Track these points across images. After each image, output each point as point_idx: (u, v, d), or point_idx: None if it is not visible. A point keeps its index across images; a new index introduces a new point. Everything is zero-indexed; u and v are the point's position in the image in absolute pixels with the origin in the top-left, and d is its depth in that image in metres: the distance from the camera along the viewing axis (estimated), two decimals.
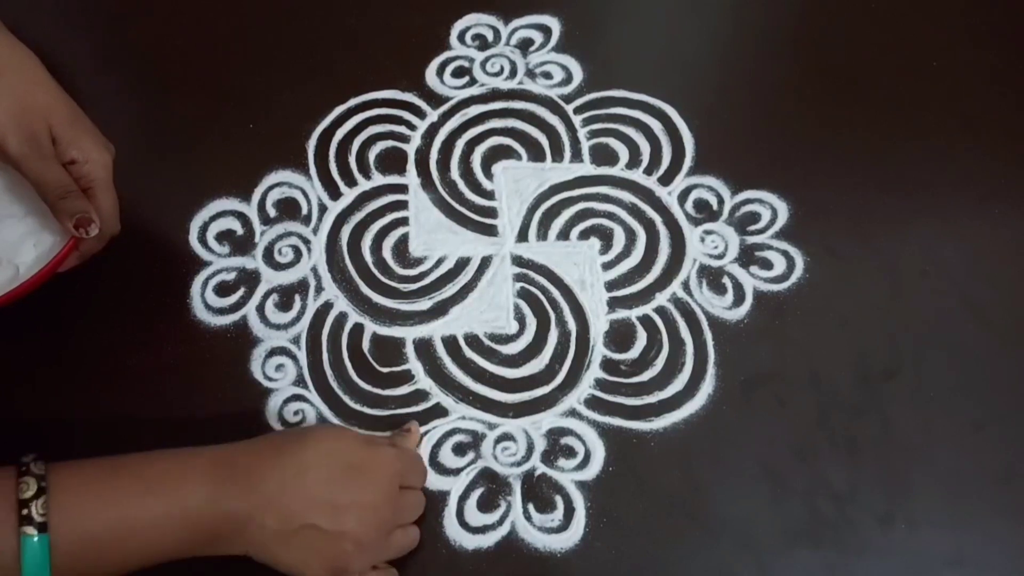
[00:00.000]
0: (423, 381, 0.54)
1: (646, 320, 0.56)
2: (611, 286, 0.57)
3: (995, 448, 0.52)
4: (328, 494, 0.44)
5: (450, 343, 0.55)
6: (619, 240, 0.59)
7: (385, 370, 0.54)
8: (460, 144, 0.63)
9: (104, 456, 0.42)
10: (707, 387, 0.54)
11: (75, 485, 0.41)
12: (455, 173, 0.62)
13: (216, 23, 0.69)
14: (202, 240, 0.59)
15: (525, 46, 0.67)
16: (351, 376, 0.54)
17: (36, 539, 0.39)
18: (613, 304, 0.57)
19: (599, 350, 0.55)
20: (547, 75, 0.66)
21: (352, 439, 0.47)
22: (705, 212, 0.60)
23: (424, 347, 0.55)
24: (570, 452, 0.52)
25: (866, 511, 0.50)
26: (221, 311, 0.56)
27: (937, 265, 0.58)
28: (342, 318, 0.56)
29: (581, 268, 0.58)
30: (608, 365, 0.54)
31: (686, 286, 0.57)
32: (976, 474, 0.51)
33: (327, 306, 0.57)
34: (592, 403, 0.53)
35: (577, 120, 0.64)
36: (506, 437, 0.52)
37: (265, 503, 0.42)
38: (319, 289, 0.57)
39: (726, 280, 0.57)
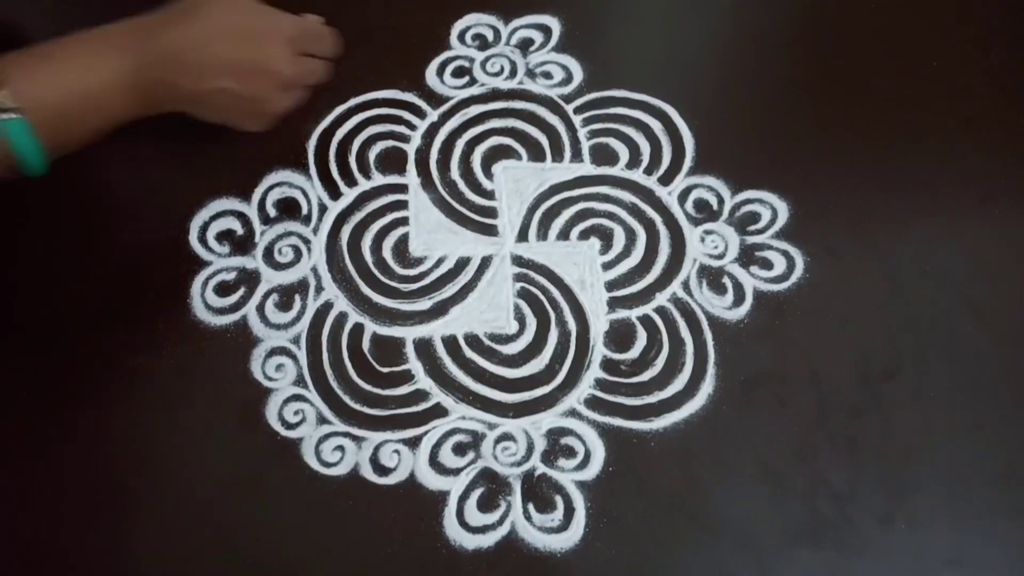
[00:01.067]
0: (423, 381, 0.54)
1: (646, 320, 0.56)
2: (611, 286, 0.57)
3: (995, 448, 0.52)
4: (230, 57, 0.50)
5: (450, 343, 0.55)
6: (619, 240, 0.59)
7: (385, 370, 0.54)
8: (460, 144, 0.63)
9: (22, 50, 0.48)
10: (707, 387, 0.54)
11: (24, 74, 0.46)
12: (455, 173, 0.62)
13: None
14: (202, 240, 0.59)
15: (525, 46, 0.67)
16: (351, 376, 0.54)
17: (16, 119, 0.45)
18: (613, 304, 0.57)
19: (599, 350, 0.55)
20: (547, 75, 0.66)
21: (251, 7, 0.52)
22: (705, 212, 0.60)
23: (424, 347, 0.55)
24: (570, 452, 0.52)
25: (866, 511, 0.50)
26: (221, 311, 0.56)
27: (937, 265, 0.58)
28: (342, 318, 0.56)
29: (581, 268, 0.58)
30: (608, 365, 0.54)
31: (686, 286, 0.57)
32: (976, 474, 0.51)
33: (327, 306, 0.57)
34: (592, 403, 0.53)
35: (577, 120, 0.64)
36: (506, 437, 0.52)
37: (177, 66, 0.49)
38: (319, 289, 0.57)
39: (726, 280, 0.57)
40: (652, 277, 0.58)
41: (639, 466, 0.51)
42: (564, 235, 0.59)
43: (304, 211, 0.60)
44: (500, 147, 0.63)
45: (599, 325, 0.56)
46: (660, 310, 0.56)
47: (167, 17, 0.50)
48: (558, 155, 0.62)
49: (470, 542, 0.49)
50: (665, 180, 0.61)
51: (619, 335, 0.55)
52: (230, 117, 0.53)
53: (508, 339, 0.55)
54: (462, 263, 0.58)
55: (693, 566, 0.49)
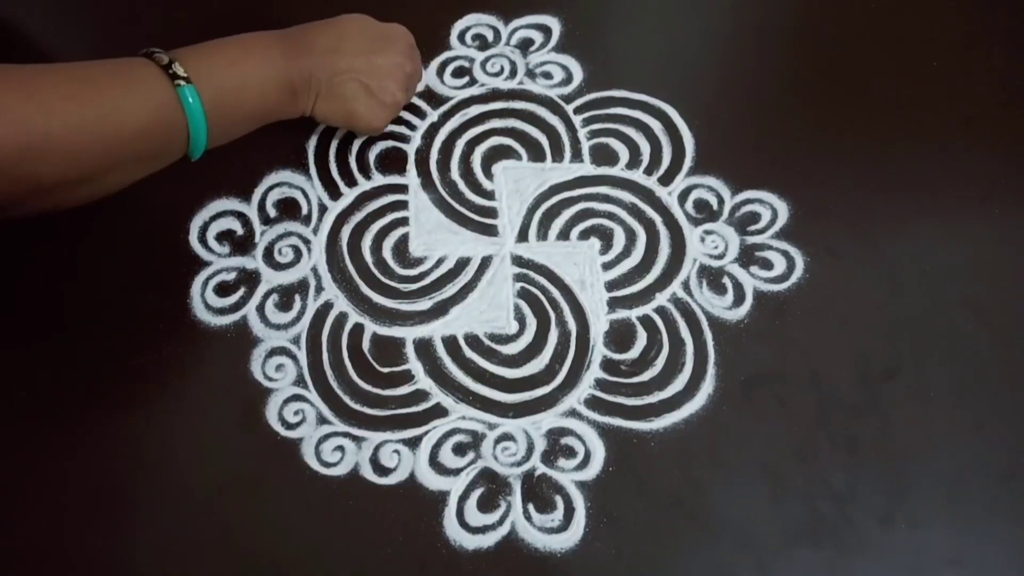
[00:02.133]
0: (423, 381, 0.54)
1: (646, 320, 0.56)
2: (611, 286, 0.57)
3: (995, 448, 0.52)
4: (363, 52, 0.57)
5: (450, 343, 0.55)
6: (619, 240, 0.59)
7: (385, 370, 0.54)
8: (460, 144, 0.63)
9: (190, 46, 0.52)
10: (707, 387, 0.54)
11: (194, 55, 0.51)
12: (455, 173, 0.62)
13: (216, 23, 0.69)
14: (202, 240, 0.59)
15: (525, 46, 0.67)
16: (351, 376, 0.54)
17: (188, 88, 0.49)
18: (613, 304, 0.57)
19: (599, 350, 0.55)
20: (547, 75, 0.66)
21: (372, 19, 0.60)
22: (705, 212, 0.60)
23: (424, 347, 0.55)
24: (570, 452, 0.52)
25: (866, 511, 0.50)
26: (221, 311, 0.56)
27: (937, 265, 0.58)
28: (342, 318, 0.56)
29: (581, 268, 0.58)
30: (608, 365, 0.54)
31: (686, 286, 0.57)
32: (976, 474, 0.51)
33: (327, 306, 0.57)
34: (592, 403, 0.53)
35: (577, 120, 0.64)
36: (506, 437, 0.52)
37: (319, 60, 0.55)
38: (319, 289, 0.57)
39: (726, 280, 0.57)
40: (652, 277, 0.58)
41: (639, 466, 0.51)
42: (564, 235, 0.59)
43: (304, 211, 0.60)
44: (500, 147, 0.63)
45: (599, 325, 0.56)
46: (660, 310, 0.56)
47: (310, 26, 0.57)
48: (558, 155, 0.62)
49: (470, 542, 0.49)
50: (665, 180, 0.61)
51: (619, 335, 0.55)
52: (355, 107, 0.57)
53: (508, 339, 0.55)
54: (462, 263, 0.58)
55: (693, 566, 0.49)
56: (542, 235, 0.59)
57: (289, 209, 0.60)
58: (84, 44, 0.69)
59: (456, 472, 0.51)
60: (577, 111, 0.64)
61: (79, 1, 0.71)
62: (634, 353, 0.55)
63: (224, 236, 0.59)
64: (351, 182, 0.61)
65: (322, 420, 0.53)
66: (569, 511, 0.50)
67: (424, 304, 0.57)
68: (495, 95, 0.65)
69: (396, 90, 0.58)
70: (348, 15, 0.59)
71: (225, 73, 0.51)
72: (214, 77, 0.51)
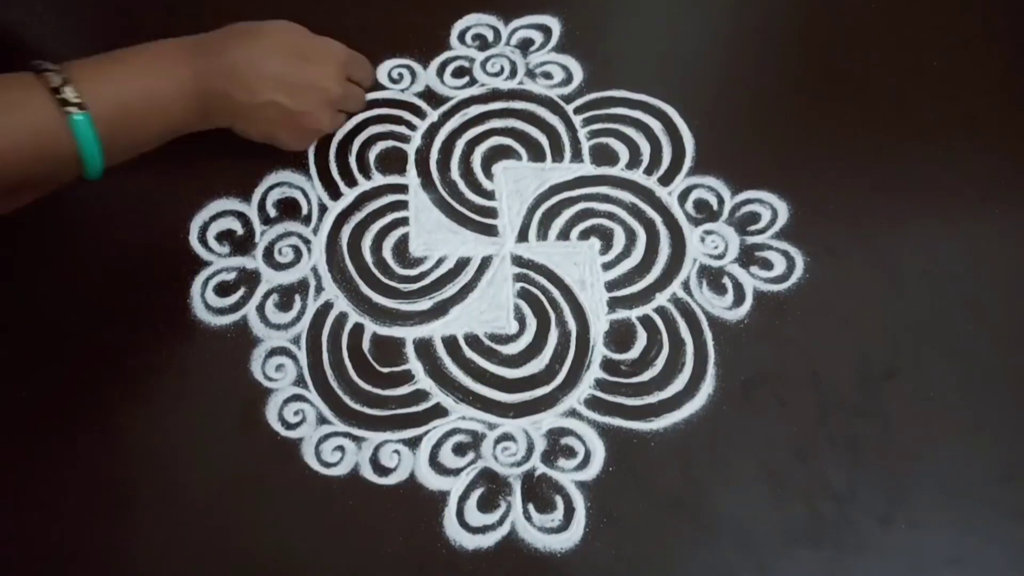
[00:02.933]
0: (423, 381, 0.54)
1: (646, 320, 0.56)
2: (611, 286, 0.57)
3: (995, 448, 0.52)
4: (284, 74, 0.53)
5: (450, 343, 0.55)
6: (619, 240, 0.59)
7: (385, 370, 0.54)
8: (460, 144, 0.63)
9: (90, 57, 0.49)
10: (707, 387, 0.54)
11: (90, 74, 0.48)
12: (455, 173, 0.62)
13: (215, 22, 0.69)
14: (202, 240, 0.59)
15: (525, 46, 0.67)
16: (351, 376, 0.54)
17: (80, 116, 0.46)
18: (613, 304, 0.57)
19: (599, 350, 0.55)
20: (547, 75, 0.66)
21: (302, 30, 0.56)
22: (705, 212, 0.60)
23: (424, 347, 0.55)
24: (570, 452, 0.52)
25: (866, 511, 0.50)
26: (221, 311, 0.56)
27: (937, 265, 0.58)
28: (342, 318, 0.56)
29: (581, 268, 0.58)
30: (608, 365, 0.54)
31: (686, 286, 0.57)
32: (976, 474, 0.51)
33: (327, 306, 0.57)
34: (592, 403, 0.53)
35: (577, 120, 0.64)
36: (506, 437, 0.52)
37: (234, 79, 0.51)
38: (319, 289, 0.57)
39: (726, 280, 0.57)
40: (652, 277, 0.58)
41: (639, 466, 0.51)
42: (564, 235, 0.59)
43: (304, 211, 0.60)
44: (500, 147, 0.63)
45: (599, 325, 0.56)
46: (660, 310, 0.56)
47: (227, 35, 0.53)
48: (558, 155, 0.62)
49: (470, 542, 0.49)
50: (665, 180, 0.61)
51: (619, 335, 0.55)
52: (276, 132, 0.55)
53: (508, 339, 0.55)
54: (462, 263, 0.58)
55: (693, 566, 0.49)
56: (542, 235, 0.59)
57: (289, 209, 0.60)
58: (85, 43, 0.69)
59: (456, 472, 0.51)
60: (577, 111, 0.64)
61: (79, 1, 0.71)
62: (634, 353, 0.55)
63: (224, 236, 0.59)
64: (351, 182, 0.61)
65: (322, 420, 0.53)
66: (569, 511, 0.50)
67: (424, 304, 0.57)
68: (495, 95, 0.65)
69: (321, 116, 0.56)
70: (274, 24, 0.55)
71: (124, 93, 0.49)
72: (111, 98, 0.48)
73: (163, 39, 0.52)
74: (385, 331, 0.56)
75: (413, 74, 0.65)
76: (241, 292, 0.57)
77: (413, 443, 0.52)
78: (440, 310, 0.56)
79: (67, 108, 0.46)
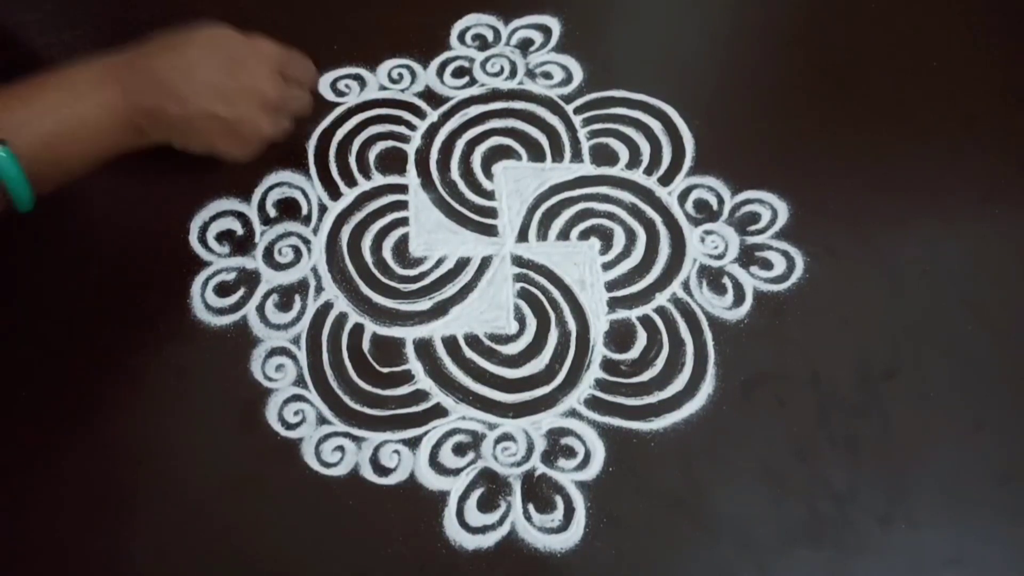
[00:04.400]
0: (423, 381, 0.54)
1: (646, 320, 0.56)
2: (611, 286, 0.57)
3: (995, 448, 0.52)
4: (216, 81, 0.51)
5: (450, 343, 0.55)
6: (619, 240, 0.59)
7: (385, 370, 0.54)
8: (460, 144, 0.63)
9: (8, 84, 0.47)
10: (707, 387, 0.54)
11: (10, 104, 0.46)
12: (455, 173, 0.62)
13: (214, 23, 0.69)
14: (202, 240, 0.59)
15: (525, 46, 0.67)
16: (351, 376, 0.54)
17: (0, 151, 0.44)
18: (613, 304, 0.57)
19: (599, 350, 0.55)
20: (547, 75, 0.66)
21: (232, 34, 0.53)
22: (705, 212, 0.60)
23: (424, 347, 0.55)
24: (570, 452, 0.52)
25: (866, 511, 0.50)
26: (221, 311, 0.56)
27: (937, 265, 0.58)
28: (342, 318, 0.56)
29: (581, 268, 0.58)
30: (608, 365, 0.54)
31: (686, 286, 0.57)
32: (976, 474, 0.51)
33: (327, 306, 0.57)
34: (592, 403, 0.53)
35: (577, 120, 0.64)
36: (506, 437, 0.52)
37: (164, 92, 0.49)
38: (319, 289, 0.57)
39: (726, 280, 0.57)
40: (652, 277, 0.58)
41: (639, 466, 0.51)
42: (564, 235, 0.59)
43: (304, 211, 0.60)
44: (500, 147, 0.63)
45: (599, 325, 0.56)
46: (660, 310, 0.56)
47: (153, 48, 0.51)
48: (558, 155, 0.62)
49: (470, 542, 0.49)
50: (665, 180, 0.61)
51: (619, 335, 0.55)
52: (216, 142, 0.53)
53: (508, 339, 0.55)
54: (462, 263, 0.58)
55: (693, 566, 0.49)
56: (542, 235, 0.59)
57: (289, 209, 0.60)
58: (85, 43, 0.69)
59: (456, 472, 0.51)
60: (577, 111, 0.64)
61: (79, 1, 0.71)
62: (634, 353, 0.55)
63: (224, 236, 0.59)
64: (351, 182, 0.61)
65: (322, 420, 0.53)
66: (569, 511, 0.50)
67: (424, 304, 0.57)
68: (495, 95, 0.65)
69: (259, 122, 0.53)
70: (201, 30, 0.53)
71: (48, 122, 0.46)
72: (33, 128, 0.46)
73: (88, 60, 0.49)
74: (385, 331, 0.56)
75: (413, 74, 0.65)
76: (241, 292, 0.57)
77: (413, 443, 0.52)
78: (440, 310, 0.56)
79: None
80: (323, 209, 0.60)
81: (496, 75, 0.66)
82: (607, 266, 0.58)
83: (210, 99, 0.51)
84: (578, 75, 0.66)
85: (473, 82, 0.65)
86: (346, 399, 0.53)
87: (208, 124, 0.51)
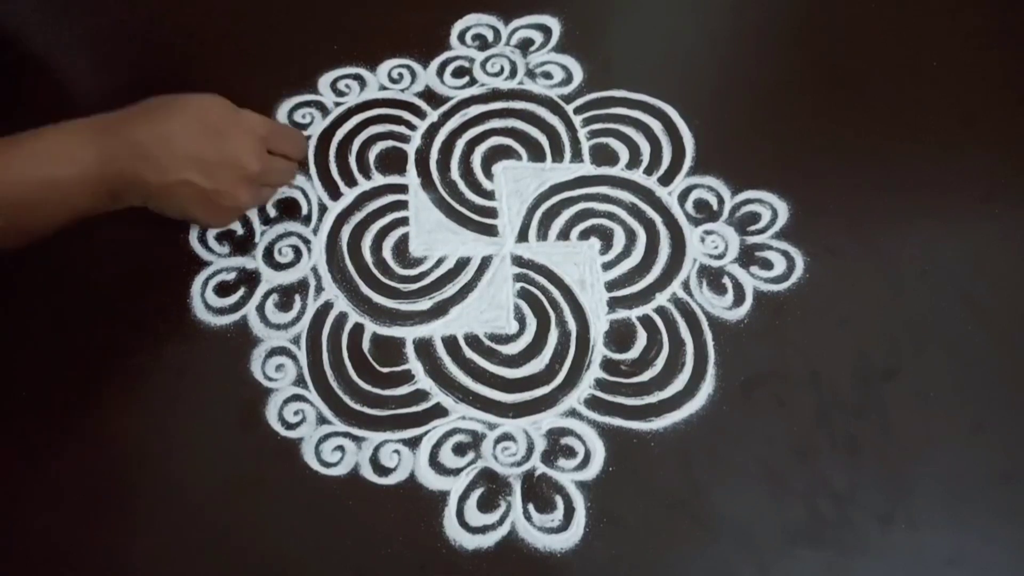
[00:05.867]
0: (423, 381, 0.54)
1: (646, 320, 0.56)
2: (611, 286, 0.57)
3: (995, 448, 0.52)
4: (196, 152, 0.50)
5: (450, 343, 0.55)
6: (619, 240, 0.59)
7: (385, 370, 0.54)
8: (460, 144, 0.63)
9: None
10: (707, 387, 0.54)
11: None
12: (455, 173, 0.62)
13: (215, 23, 0.69)
14: (202, 240, 0.59)
15: (525, 46, 0.67)
16: (351, 376, 0.54)
17: None
18: (613, 304, 0.57)
19: (599, 350, 0.55)
20: (547, 75, 0.66)
21: (219, 104, 0.52)
22: (705, 212, 0.60)
23: (424, 347, 0.55)
24: (570, 452, 0.52)
25: (866, 511, 0.50)
26: (221, 311, 0.56)
27: (937, 265, 0.58)
28: (342, 318, 0.56)
29: (581, 268, 0.58)
30: (608, 365, 0.54)
31: (686, 286, 0.57)
32: (976, 474, 0.51)
33: (327, 306, 0.57)
34: (592, 403, 0.53)
35: (577, 120, 0.64)
36: (506, 437, 0.52)
37: (142, 159, 0.49)
38: (319, 289, 0.57)
39: (726, 280, 0.57)
40: (652, 277, 0.58)
41: (639, 466, 0.51)
42: (564, 235, 0.59)
43: (304, 211, 0.60)
44: (500, 147, 0.63)
45: (599, 325, 0.56)
46: (660, 310, 0.56)
47: (134, 113, 0.51)
48: (558, 155, 0.62)
49: (470, 542, 0.49)
50: (665, 180, 0.61)
51: (619, 335, 0.55)
52: (192, 211, 0.52)
53: (508, 339, 0.55)
54: (462, 263, 0.58)
55: (693, 566, 0.49)
56: (542, 235, 0.59)
57: (289, 209, 0.60)
58: (85, 43, 0.69)
59: (456, 472, 0.51)
60: (577, 111, 0.64)
61: (79, 1, 0.71)
62: (634, 353, 0.55)
63: (224, 236, 0.59)
64: (351, 182, 0.61)
65: (322, 420, 0.53)
66: (569, 511, 0.50)
67: (424, 304, 0.57)
68: (495, 95, 0.65)
69: (237, 194, 0.52)
70: (191, 97, 0.52)
71: (19, 183, 0.46)
72: (4, 187, 0.46)
73: (67, 121, 0.49)
74: (385, 331, 0.56)
75: (413, 74, 0.65)
76: (241, 292, 0.57)
77: (413, 443, 0.52)
78: (440, 310, 0.56)
79: None
80: (323, 209, 0.60)
81: (496, 75, 0.66)
82: (607, 266, 0.58)
83: (189, 169, 0.50)
84: (578, 75, 0.66)
85: (473, 82, 0.65)
86: (346, 399, 0.53)
87: (186, 192, 0.51)
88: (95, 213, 0.50)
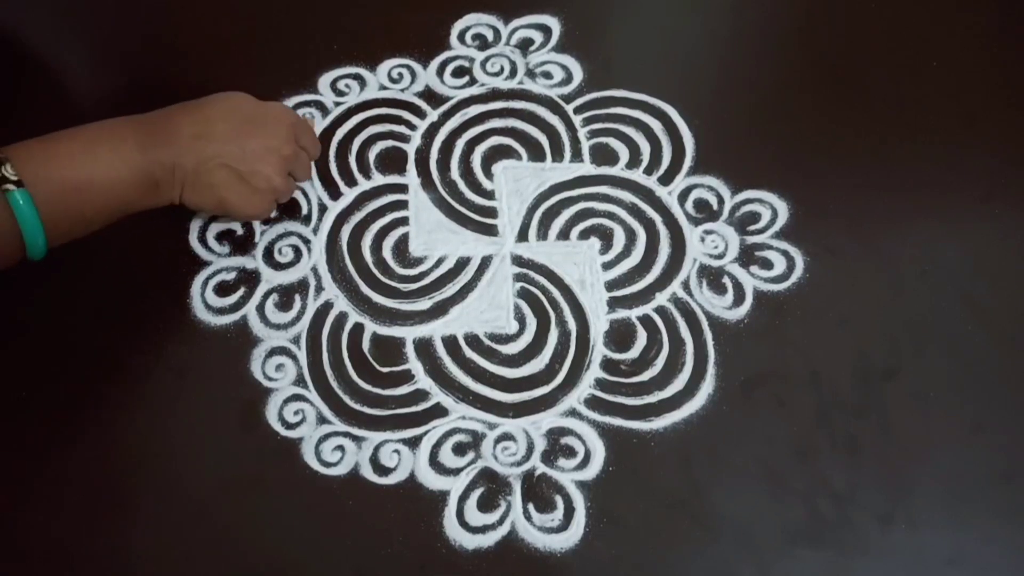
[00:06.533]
0: (423, 381, 0.54)
1: (646, 320, 0.56)
2: (611, 286, 0.57)
3: (995, 448, 0.52)
4: (232, 136, 0.52)
5: (450, 343, 0.55)
6: (619, 240, 0.59)
7: (385, 370, 0.54)
8: (460, 144, 0.63)
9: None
10: (707, 387, 0.54)
11: (32, 153, 0.47)
12: (455, 173, 0.62)
13: (215, 24, 0.69)
14: (202, 240, 0.59)
15: (525, 46, 0.67)
16: (351, 376, 0.54)
17: (18, 192, 0.45)
18: (613, 304, 0.57)
19: (599, 350, 0.55)
20: (547, 75, 0.66)
21: (248, 98, 0.55)
22: (705, 212, 0.60)
23: (424, 347, 0.55)
24: (570, 452, 0.52)
25: (866, 511, 0.50)
26: (221, 311, 0.56)
27: (937, 265, 0.58)
28: (342, 318, 0.56)
29: (581, 268, 0.58)
30: (608, 365, 0.54)
31: (686, 286, 0.57)
32: (976, 474, 0.51)
33: (327, 306, 0.57)
34: (592, 403, 0.53)
35: (577, 120, 0.64)
36: (506, 437, 0.52)
37: (183, 148, 0.51)
38: (319, 289, 0.57)
39: (726, 280, 0.57)
40: (652, 277, 0.58)
41: (639, 466, 0.51)
42: (564, 235, 0.59)
43: (304, 211, 0.60)
44: (500, 147, 0.63)
45: (599, 325, 0.56)
46: (660, 310, 0.56)
47: (172, 110, 0.53)
48: (558, 155, 0.62)
49: (470, 542, 0.49)
50: (665, 180, 0.61)
51: (619, 335, 0.55)
52: (227, 196, 0.53)
53: (508, 339, 0.55)
54: (462, 263, 0.58)
55: (693, 566, 0.49)
56: (542, 235, 0.59)
57: (289, 209, 0.60)
58: (85, 43, 0.69)
59: (456, 472, 0.51)
60: (577, 111, 0.64)
61: (79, 1, 0.71)
62: (634, 353, 0.55)
63: (224, 236, 0.59)
64: (351, 182, 0.61)
65: (322, 420, 0.53)
66: (569, 511, 0.50)
67: (424, 304, 0.57)
68: (495, 95, 0.65)
69: (272, 175, 0.54)
70: (221, 95, 0.54)
71: (66, 171, 0.47)
72: (52, 176, 0.47)
73: (103, 121, 0.51)
74: (385, 331, 0.56)
75: (413, 74, 0.65)
76: (241, 292, 0.57)
77: (413, 443, 0.52)
78: (440, 310, 0.56)
79: (5, 186, 0.45)
80: (323, 209, 0.60)
81: (496, 75, 0.66)
82: (607, 266, 0.58)
83: (225, 152, 0.52)
84: (578, 75, 0.66)
85: (473, 82, 0.65)
86: (346, 399, 0.53)
87: (221, 177, 0.52)
88: (136, 208, 0.51)
